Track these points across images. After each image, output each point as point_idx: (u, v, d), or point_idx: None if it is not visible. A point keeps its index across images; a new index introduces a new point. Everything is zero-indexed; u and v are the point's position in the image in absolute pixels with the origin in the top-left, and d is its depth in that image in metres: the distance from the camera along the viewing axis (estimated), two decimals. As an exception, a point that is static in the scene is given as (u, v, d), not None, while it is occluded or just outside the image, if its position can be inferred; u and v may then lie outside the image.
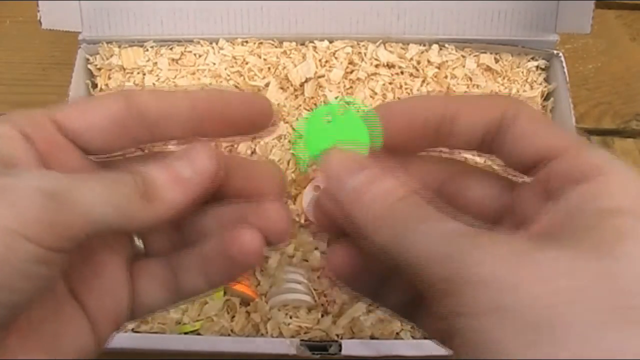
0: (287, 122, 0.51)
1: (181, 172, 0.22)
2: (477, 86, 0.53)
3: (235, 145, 0.50)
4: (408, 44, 0.54)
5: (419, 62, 0.54)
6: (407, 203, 0.21)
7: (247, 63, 0.53)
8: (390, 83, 0.53)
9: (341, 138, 0.26)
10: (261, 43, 0.54)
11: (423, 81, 0.53)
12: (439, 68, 0.53)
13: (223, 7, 0.53)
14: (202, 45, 0.54)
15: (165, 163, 0.22)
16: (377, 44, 0.54)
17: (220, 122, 0.24)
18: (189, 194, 0.22)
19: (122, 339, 0.44)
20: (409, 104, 0.25)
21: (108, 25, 0.54)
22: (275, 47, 0.54)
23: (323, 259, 0.48)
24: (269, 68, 0.53)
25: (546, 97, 0.53)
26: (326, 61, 0.53)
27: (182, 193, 0.22)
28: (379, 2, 0.53)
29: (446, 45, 0.54)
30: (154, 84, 0.52)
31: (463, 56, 0.54)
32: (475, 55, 0.54)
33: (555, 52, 0.53)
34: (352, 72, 0.53)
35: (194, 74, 0.53)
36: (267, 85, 0.52)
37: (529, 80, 0.54)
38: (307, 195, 0.49)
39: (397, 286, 0.25)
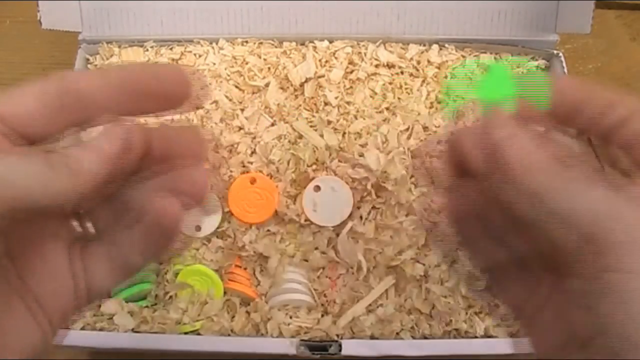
0: (287, 122, 0.51)
1: (97, 144, 0.23)
2: (477, 86, 0.53)
3: (236, 146, 0.50)
4: (408, 44, 0.54)
5: (419, 62, 0.54)
6: (567, 159, 0.22)
7: (247, 63, 0.53)
8: (390, 83, 0.53)
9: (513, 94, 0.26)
10: (261, 43, 0.54)
11: (423, 81, 0.53)
12: (439, 68, 0.53)
13: (223, 7, 0.53)
14: (202, 45, 0.54)
15: (81, 140, 0.23)
16: (377, 44, 0.54)
17: (148, 96, 0.25)
18: (106, 164, 0.22)
19: (122, 339, 0.44)
20: (582, 83, 0.26)
21: (108, 25, 0.54)
22: (275, 47, 0.54)
23: (323, 259, 0.48)
24: (269, 68, 0.53)
25: (546, 97, 0.53)
26: (326, 61, 0.53)
27: (98, 163, 0.22)
28: (379, 2, 0.53)
29: (446, 45, 0.54)
30: (154, 84, 0.52)
31: (463, 56, 0.54)
32: (475, 55, 0.54)
33: (555, 52, 0.53)
34: (352, 72, 0.53)
35: (194, 74, 0.53)
36: (267, 85, 0.52)
37: (529, 80, 0.54)
38: (307, 195, 0.49)
39: (509, 241, 0.26)
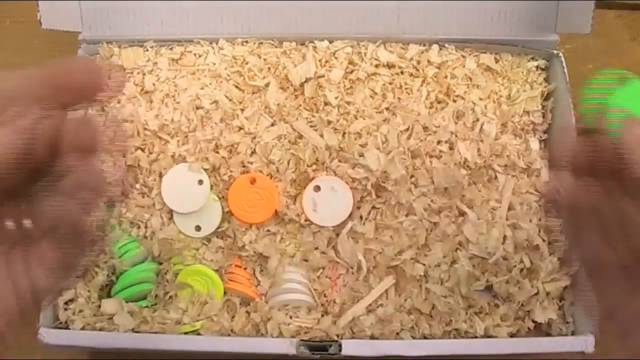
0: (287, 122, 0.51)
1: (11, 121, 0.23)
2: (477, 86, 0.53)
3: (236, 145, 0.50)
4: (408, 44, 0.54)
5: (419, 62, 0.54)
6: None
7: (247, 63, 0.53)
8: (390, 83, 0.53)
9: None
10: (261, 43, 0.54)
11: (423, 81, 0.53)
12: (439, 68, 0.53)
13: (223, 7, 0.53)
14: (202, 45, 0.54)
15: None
16: (377, 44, 0.54)
17: (64, 89, 0.25)
18: (19, 137, 0.23)
19: (122, 339, 0.44)
20: None
21: (108, 25, 0.54)
22: (275, 47, 0.54)
23: (323, 259, 0.48)
24: (269, 68, 0.53)
25: (546, 97, 0.53)
26: (326, 61, 0.53)
27: (10, 134, 0.23)
28: (379, 2, 0.53)
29: (446, 45, 0.54)
30: (154, 84, 0.52)
31: (463, 56, 0.54)
32: (475, 55, 0.54)
33: (555, 52, 0.53)
34: (352, 72, 0.53)
35: (194, 74, 0.53)
36: (267, 85, 0.52)
37: (529, 80, 0.54)
38: (307, 195, 0.49)
39: (623, 243, 0.26)
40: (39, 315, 0.44)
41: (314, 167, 0.50)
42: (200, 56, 0.54)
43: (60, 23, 0.52)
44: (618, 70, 0.33)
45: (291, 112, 0.52)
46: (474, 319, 0.47)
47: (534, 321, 0.47)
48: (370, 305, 0.47)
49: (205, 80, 0.52)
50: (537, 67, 0.54)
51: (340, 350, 0.43)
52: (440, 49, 0.54)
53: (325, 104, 0.52)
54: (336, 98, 0.52)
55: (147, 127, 0.50)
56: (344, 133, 0.51)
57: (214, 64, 0.53)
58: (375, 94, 0.52)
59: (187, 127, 0.51)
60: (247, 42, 0.54)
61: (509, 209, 0.50)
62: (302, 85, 0.52)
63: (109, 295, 0.48)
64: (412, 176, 0.49)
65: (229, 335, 0.47)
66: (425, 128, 0.51)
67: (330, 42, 0.54)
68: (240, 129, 0.51)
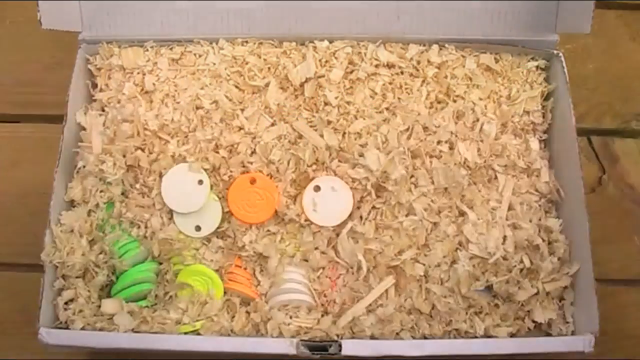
0: (287, 122, 0.51)
1: None
2: (477, 86, 0.53)
3: (236, 145, 0.50)
4: (408, 44, 0.54)
5: (419, 62, 0.54)
6: None
7: (247, 63, 0.53)
8: (390, 83, 0.53)
9: None
10: (261, 43, 0.54)
11: (423, 81, 0.53)
12: (439, 68, 0.53)
13: (223, 7, 0.53)
14: (202, 45, 0.54)
15: None
16: (377, 44, 0.54)
17: None
18: None
19: (122, 339, 0.44)
20: None
21: (108, 25, 0.54)
22: (275, 47, 0.54)
23: (323, 259, 0.48)
24: (269, 68, 0.53)
25: (546, 97, 0.53)
26: (326, 61, 0.53)
27: None
28: (379, 2, 0.53)
29: (446, 45, 0.54)
30: (154, 84, 0.52)
31: (463, 56, 0.54)
32: (475, 55, 0.54)
33: (555, 52, 0.53)
34: (352, 72, 0.53)
35: (194, 74, 0.53)
36: (267, 85, 0.52)
37: (529, 80, 0.54)
38: (307, 195, 0.49)
39: None
40: (39, 315, 0.44)
41: (314, 167, 0.50)
42: (200, 56, 0.54)
43: (60, 23, 0.52)
44: None
45: (291, 112, 0.52)
46: (474, 319, 0.47)
47: (534, 321, 0.47)
48: (370, 305, 0.47)
49: (205, 80, 0.52)
50: (537, 67, 0.54)
51: (340, 350, 0.43)
52: (440, 49, 0.54)
53: (325, 104, 0.52)
54: (336, 98, 0.52)
55: (147, 127, 0.50)
56: (344, 133, 0.51)
57: (214, 64, 0.53)
58: (375, 94, 0.52)
59: (187, 127, 0.51)
60: (247, 42, 0.54)
61: (509, 209, 0.50)
62: (302, 85, 0.52)
63: (109, 295, 0.48)
64: (412, 176, 0.49)
65: (229, 335, 0.47)
66: (425, 128, 0.51)
67: (330, 42, 0.54)
68: (240, 129, 0.51)
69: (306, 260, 0.49)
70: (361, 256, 0.47)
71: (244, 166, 0.50)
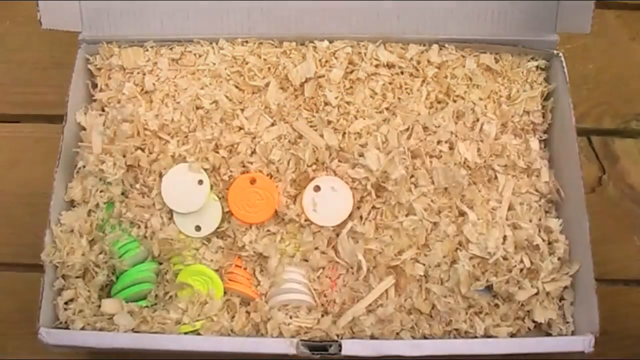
0: (287, 122, 0.51)
1: None
2: (477, 86, 0.53)
3: (236, 145, 0.50)
4: (408, 44, 0.54)
5: (419, 62, 0.54)
6: None
7: (247, 63, 0.53)
8: (390, 83, 0.53)
9: None
10: (261, 43, 0.54)
11: (423, 81, 0.53)
12: (439, 68, 0.53)
13: (223, 7, 0.53)
14: (202, 45, 0.54)
15: None
16: (377, 44, 0.54)
17: None
18: None
19: (122, 339, 0.44)
20: None
21: (108, 25, 0.54)
22: (275, 47, 0.54)
23: (323, 259, 0.48)
24: (269, 68, 0.53)
25: (546, 97, 0.53)
26: (326, 61, 0.53)
27: None
28: (379, 2, 0.53)
29: (446, 45, 0.54)
30: (154, 84, 0.52)
31: (463, 56, 0.54)
32: (475, 55, 0.54)
33: (555, 52, 0.53)
34: (352, 72, 0.53)
35: (194, 74, 0.53)
36: (267, 85, 0.52)
37: (529, 80, 0.54)
38: (307, 195, 0.49)
39: None
40: (39, 315, 0.44)
41: (314, 167, 0.50)
42: (200, 56, 0.54)
43: (60, 23, 0.52)
44: None
45: (291, 112, 0.52)
46: (474, 319, 0.47)
47: (534, 321, 0.47)
48: (370, 305, 0.47)
49: (205, 80, 0.52)
50: (537, 67, 0.54)
51: (340, 350, 0.43)
52: (440, 49, 0.54)
53: (325, 104, 0.52)
54: (336, 98, 0.52)
55: (147, 127, 0.50)
56: (344, 133, 0.51)
57: (214, 64, 0.53)
58: (375, 94, 0.52)
59: (187, 127, 0.51)
60: (247, 42, 0.54)
61: (509, 209, 0.50)
62: (302, 85, 0.52)
63: (109, 295, 0.48)
64: (412, 176, 0.50)
65: (229, 335, 0.47)
66: (425, 128, 0.51)
67: (330, 42, 0.54)
68: (240, 129, 0.51)
69: (306, 260, 0.49)
70: (361, 256, 0.47)
71: (244, 166, 0.50)
